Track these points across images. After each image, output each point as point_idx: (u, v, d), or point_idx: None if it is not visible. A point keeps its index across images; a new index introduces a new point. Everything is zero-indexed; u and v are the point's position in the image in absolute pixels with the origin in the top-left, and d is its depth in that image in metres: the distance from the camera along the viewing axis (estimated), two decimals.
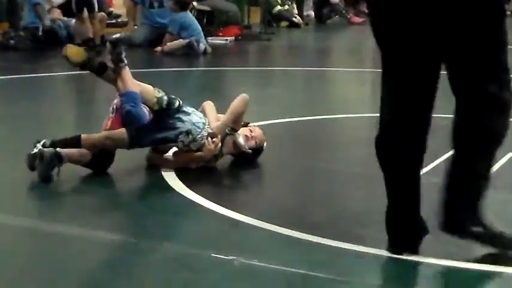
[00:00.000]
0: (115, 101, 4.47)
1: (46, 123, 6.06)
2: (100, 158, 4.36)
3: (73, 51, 4.44)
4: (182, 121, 4.43)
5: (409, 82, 3.10)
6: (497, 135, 3.15)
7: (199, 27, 11.03)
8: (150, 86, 4.46)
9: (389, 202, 3.26)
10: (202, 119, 4.54)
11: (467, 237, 3.30)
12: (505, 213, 4.09)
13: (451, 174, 3.25)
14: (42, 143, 4.26)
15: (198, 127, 4.46)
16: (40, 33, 10.67)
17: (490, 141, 3.16)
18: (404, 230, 3.27)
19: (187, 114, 4.48)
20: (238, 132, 4.66)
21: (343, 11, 16.93)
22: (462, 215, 3.26)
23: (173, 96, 4.47)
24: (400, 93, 3.14)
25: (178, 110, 4.43)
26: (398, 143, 3.18)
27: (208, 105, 4.80)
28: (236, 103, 4.67)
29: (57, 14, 11.57)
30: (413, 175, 3.23)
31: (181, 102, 4.47)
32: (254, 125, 4.86)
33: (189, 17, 11.00)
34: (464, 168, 3.21)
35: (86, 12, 10.68)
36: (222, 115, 4.72)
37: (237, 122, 4.67)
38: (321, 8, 16.90)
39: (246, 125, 4.80)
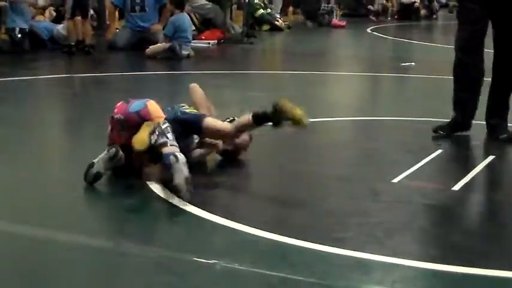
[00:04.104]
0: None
1: (28, 127, 6.04)
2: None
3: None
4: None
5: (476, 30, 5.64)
6: None
7: (191, 33, 11.02)
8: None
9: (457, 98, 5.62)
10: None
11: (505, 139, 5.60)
12: (488, 213, 4.15)
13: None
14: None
15: None
16: (18, 36, 10.57)
17: None
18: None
19: None
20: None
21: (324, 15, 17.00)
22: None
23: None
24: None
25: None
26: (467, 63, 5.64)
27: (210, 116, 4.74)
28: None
29: (42, 17, 11.53)
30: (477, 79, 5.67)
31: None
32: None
33: (186, 20, 10.94)
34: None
35: (78, 17, 10.64)
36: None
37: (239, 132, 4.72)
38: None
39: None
